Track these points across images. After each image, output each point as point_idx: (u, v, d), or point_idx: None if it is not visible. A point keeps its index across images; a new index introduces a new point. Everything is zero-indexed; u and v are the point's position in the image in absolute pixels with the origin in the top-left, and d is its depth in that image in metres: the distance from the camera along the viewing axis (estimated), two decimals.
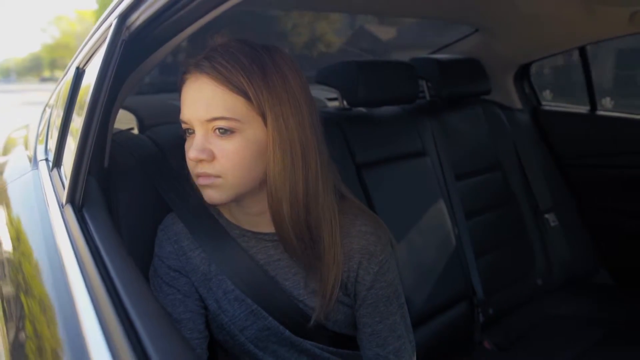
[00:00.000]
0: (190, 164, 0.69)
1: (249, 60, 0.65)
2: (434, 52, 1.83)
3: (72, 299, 0.49)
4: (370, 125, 1.32)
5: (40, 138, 1.20)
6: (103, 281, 0.48)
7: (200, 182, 0.69)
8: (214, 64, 0.65)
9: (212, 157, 0.66)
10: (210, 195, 0.68)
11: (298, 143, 0.67)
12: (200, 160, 0.66)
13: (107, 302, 0.44)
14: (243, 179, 0.67)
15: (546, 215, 1.61)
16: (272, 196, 0.67)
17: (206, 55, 0.67)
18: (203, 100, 0.66)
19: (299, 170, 0.67)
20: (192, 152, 0.66)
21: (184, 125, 0.69)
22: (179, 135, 0.72)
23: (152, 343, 0.38)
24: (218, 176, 0.67)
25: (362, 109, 1.36)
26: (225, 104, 0.65)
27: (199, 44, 0.72)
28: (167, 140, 0.96)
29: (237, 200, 0.72)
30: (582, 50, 1.62)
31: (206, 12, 0.64)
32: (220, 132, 0.66)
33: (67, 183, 0.70)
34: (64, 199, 0.70)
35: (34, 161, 1.07)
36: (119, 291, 0.46)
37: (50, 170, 0.91)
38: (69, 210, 0.66)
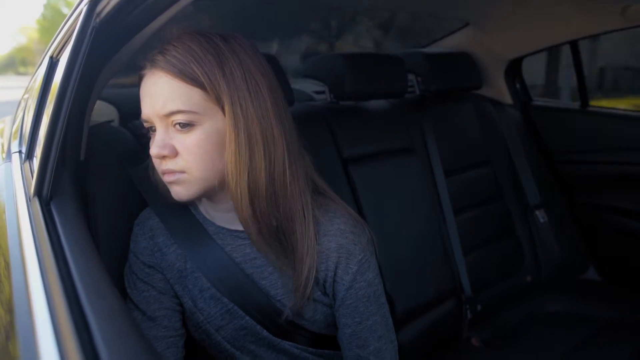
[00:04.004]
0: (155, 162, 0.68)
1: (203, 50, 0.64)
2: (424, 46, 1.81)
3: (29, 297, 0.47)
4: (357, 119, 1.30)
5: (15, 130, 1.16)
6: (62, 280, 0.46)
7: (165, 179, 0.67)
8: (167, 57, 0.64)
9: (174, 153, 0.65)
10: (177, 191, 0.67)
11: (259, 132, 0.65)
12: (164, 157, 0.65)
13: (62, 303, 0.42)
14: (208, 172, 0.66)
15: (536, 212, 1.60)
16: (232, 189, 0.65)
17: (160, 50, 0.65)
18: (159, 95, 0.64)
19: (260, 161, 0.65)
20: (154, 148, 0.65)
21: (145, 124, 0.68)
22: None
23: (106, 345, 0.36)
24: (182, 171, 0.65)
25: (350, 103, 1.33)
26: (181, 97, 0.63)
27: None
28: (147, 133, 0.93)
29: (207, 195, 0.70)
30: (574, 45, 1.60)
31: None
32: (180, 126, 0.64)
33: (35, 175, 0.68)
34: (31, 192, 0.67)
35: (7, 153, 1.04)
36: (78, 291, 0.44)
37: (22, 163, 0.88)
38: (35, 204, 0.63)
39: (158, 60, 0.64)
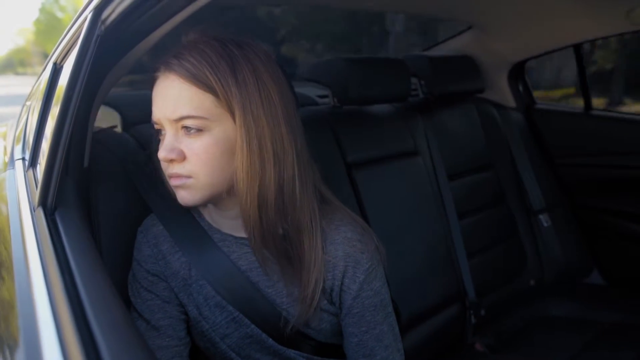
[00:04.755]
0: (163, 165, 0.67)
1: (217, 56, 0.63)
2: (427, 49, 1.80)
3: (34, 310, 0.46)
4: (361, 123, 1.30)
5: (17, 135, 1.16)
6: (67, 292, 0.45)
7: (172, 182, 0.67)
8: (181, 61, 0.63)
9: (182, 157, 0.64)
10: (183, 196, 0.66)
11: (269, 141, 0.64)
12: (172, 161, 0.65)
13: (68, 315, 0.41)
14: (215, 178, 0.65)
15: (539, 216, 1.59)
16: (241, 197, 0.65)
17: (175, 54, 0.65)
18: (171, 99, 0.64)
19: (270, 170, 0.64)
20: (162, 152, 0.65)
21: (156, 126, 0.67)
22: None
23: (112, 358, 0.36)
24: (189, 176, 0.65)
25: (353, 107, 1.33)
26: (192, 102, 0.63)
27: None
28: (150, 138, 0.93)
29: (213, 201, 0.70)
30: (577, 49, 1.60)
31: (185, 5, 0.61)
32: (189, 131, 0.64)
33: (40, 184, 0.67)
34: (35, 201, 0.66)
35: (10, 160, 1.03)
36: (84, 303, 0.43)
37: (25, 170, 0.87)
38: (40, 214, 0.63)
39: (172, 63, 0.64)
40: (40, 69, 1.44)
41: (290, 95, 0.69)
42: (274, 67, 0.67)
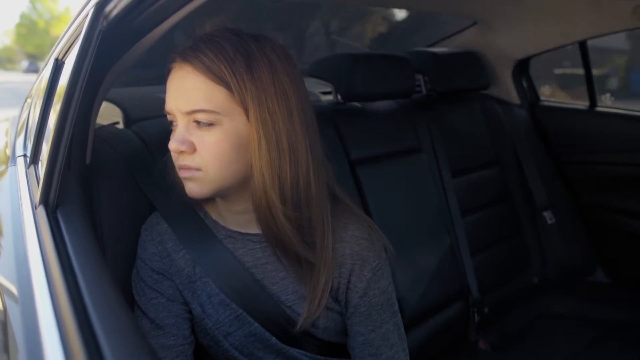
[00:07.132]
0: (173, 156, 0.67)
1: (234, 50, 0.62)
2: (431, 45, 1.79)
3: (35, 311, 0.46)
4: (365, 120, 1.29)
5: (18, 132, 1.15)
6: (70, 293, 0.44)
7: (181, 174, 0.67)
8: (197, 53, 0.63)
9: (192, 149, 0.64)
10: (191, 188, 0.66)
11: (285, 138, 0.64)
12: (182, 152, 0.65)
13: (71, 319, 0.41)
14: (224, 172, 0.65)
15: (543, 213, 1.58)
16: (257, 193, 0.64)
17: (191, 45, 0.64)
18: (184, 91, 0.64)
19: (286, 167, 0.64)
20: (173, 143, 0.65)
21: (168, 117, 0.67)
22: (166, 130, 0.70)
23: None
24: (198, 169, 0.65)
25: (357, 104, 1.32)
26: (205, 95, 0.63)
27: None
28: (153, 135, 0.92)
29: (221, 196, 0.70)
30: (583, 45, 1.58)
31: (189, 0, 0.60)
32: (200, 124, 0.64)
33: (41, 182, 0.66)
34: (37, 200, 0.65)
35: (12, 157, 1.03)
36: (87, 305, 0.42)
37: (27, 168, 0.86)
38: (41, 212, 0.62)
39: (188, 55, 0.63)
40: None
41: (305, 91, 0.68)
42: (290, 62, 0.66)
